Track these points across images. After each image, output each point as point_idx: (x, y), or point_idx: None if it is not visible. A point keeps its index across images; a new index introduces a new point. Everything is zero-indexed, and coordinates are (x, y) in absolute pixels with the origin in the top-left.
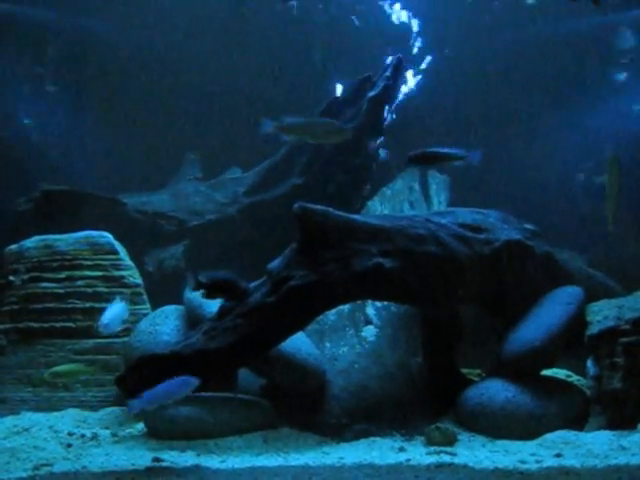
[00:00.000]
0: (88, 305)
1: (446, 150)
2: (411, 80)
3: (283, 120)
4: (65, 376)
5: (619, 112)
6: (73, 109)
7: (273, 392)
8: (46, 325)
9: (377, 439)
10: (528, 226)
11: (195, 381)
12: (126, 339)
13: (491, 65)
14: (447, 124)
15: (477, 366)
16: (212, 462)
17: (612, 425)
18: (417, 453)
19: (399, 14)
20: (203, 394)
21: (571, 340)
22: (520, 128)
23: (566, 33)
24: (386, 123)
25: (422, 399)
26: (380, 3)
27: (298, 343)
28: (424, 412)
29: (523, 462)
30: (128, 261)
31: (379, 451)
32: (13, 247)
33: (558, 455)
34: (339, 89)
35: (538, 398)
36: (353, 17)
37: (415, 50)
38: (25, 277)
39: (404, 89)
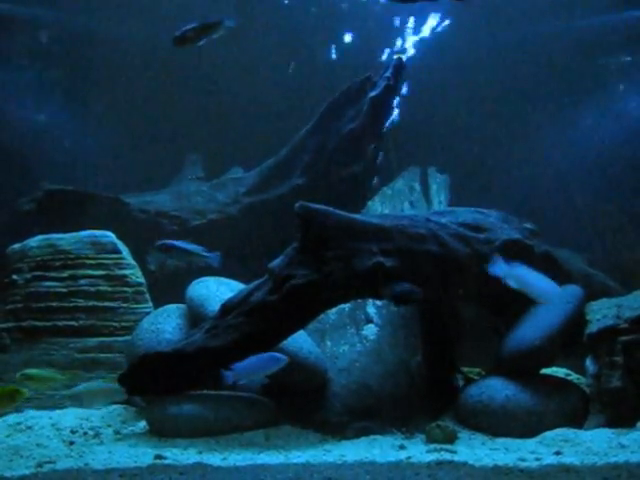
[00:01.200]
0: (91, 304)
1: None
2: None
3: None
4: (35, 380)
5: (620, 112)
6: (76, 109)
7: (274, 390)
8: (49, 324)
9: (378, 437)
10: (528, 225)
11: (284, 359)
12: (129, 337)
13: (494, 63)
14: (449, 123)
15: (477, 365)
16: (214, 459)
17: (611, 423)
18: (418, 451)
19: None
20: (205, 392)
21: (570, 339)
22: (520, 128)
23: (570, 31)
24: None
25: (422, 397)
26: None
27: (299, 341)
28: (424, 410)
29: (523, 460)
30: (131, 260)
31: (380, 449)
32: (17, 246)
33: (558, 453)
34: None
35: (538, 396)
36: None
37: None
38: (28, 276)
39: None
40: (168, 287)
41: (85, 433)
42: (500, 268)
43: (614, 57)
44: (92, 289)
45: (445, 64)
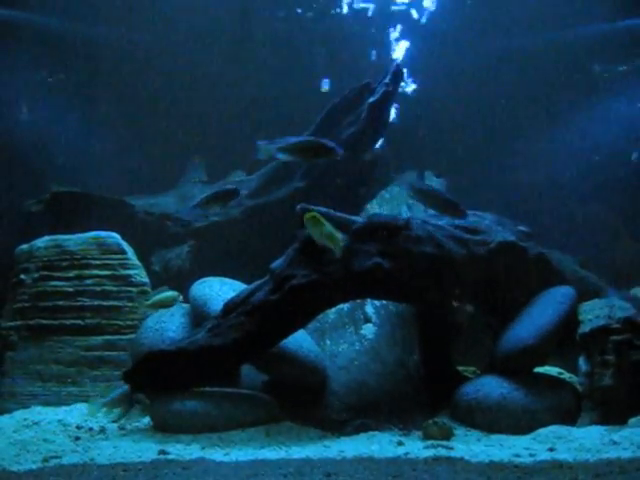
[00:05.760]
0: (96, 303)
1: None
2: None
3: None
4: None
5: (616, 115)
6: (82, 113)
7: (275, 388)
8: (56, 322)
9: (376, 433)
10: (522, 228)
11: None
12: (133, 336)
13: (490, 69)
14: (446, 127)
15: (472, 363)
16: (216, 455)
17: (603, 420)
18: (415, 447)
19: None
20: (208, 389)
21: (564, 338)
22: (515, 133)
23: (565, 40)
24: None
25: (419, 395)
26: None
27: (299, 340)
28: (421, 407)
29: (517, 456)
30: (135, 260)
31: (378, 445)
32: (24, 247)
33: (551, 449)
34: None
35: (532, 394)
36: None
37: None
38: (36, 276)
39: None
40: (172, 287)
41: (90, 429)
42: None
43: (609, 65)
44: (98, 289)
45: (442, 71)
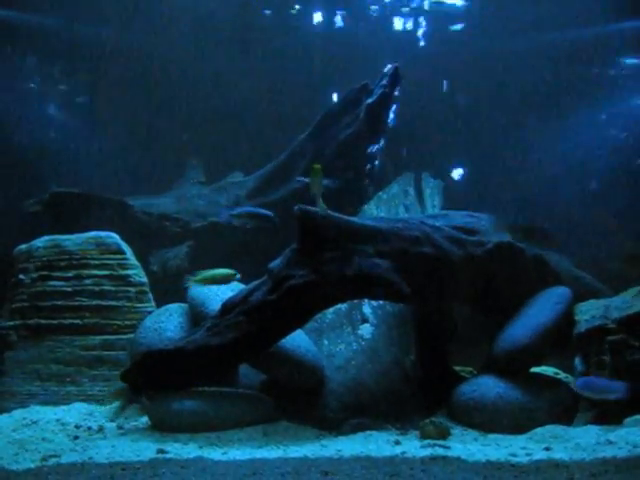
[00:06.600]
0: (95, 303)
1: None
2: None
3: None
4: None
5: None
6: (82, 114)
7: (273, 387)
8: (54, 322)
9: (373, 433)
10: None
11: None
12: (132, 335)
13: (492, 70)
14: (443, 128)
15: (469, 364)
16: (214, 454)
17: (599, 420)
18: (412, 446)
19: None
20: (206, 389)
21: (560, 339)
22: (515, 134)
23: (564, 41)
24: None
25: (416, 395)
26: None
27: (297, 340)
28: (418, 407)
29: (514, 455)
30: (134, 260)
31: (375, 444)
32: (23, 247)
33: (547, 449)
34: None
35: (528, 394)
36: None
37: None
38: (34, 275)
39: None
40: (170, 287)
41: (89, 428)
42: None
43: (608, 66)
44: (96, 288)
45: (442, 71)
